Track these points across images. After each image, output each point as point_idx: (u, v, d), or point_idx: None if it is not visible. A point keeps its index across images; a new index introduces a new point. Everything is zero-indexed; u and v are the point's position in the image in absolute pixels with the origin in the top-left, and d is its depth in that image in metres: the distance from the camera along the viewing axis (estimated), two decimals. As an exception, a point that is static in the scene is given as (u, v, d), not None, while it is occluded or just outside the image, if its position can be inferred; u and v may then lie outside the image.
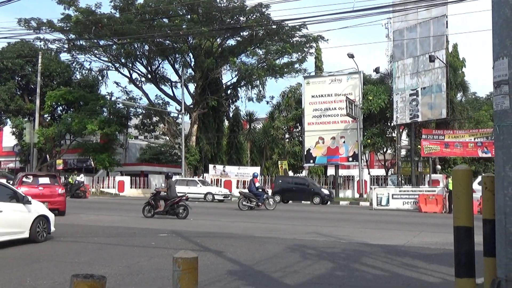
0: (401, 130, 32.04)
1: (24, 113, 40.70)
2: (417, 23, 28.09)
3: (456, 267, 4.46)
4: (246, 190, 23.74)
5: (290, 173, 35.35)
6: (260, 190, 22.84)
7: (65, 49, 38.63)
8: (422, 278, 7.38)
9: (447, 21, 27.21)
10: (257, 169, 36.32)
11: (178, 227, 13.91)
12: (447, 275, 7.34)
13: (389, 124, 32.71)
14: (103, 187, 37.90)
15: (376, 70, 32.50)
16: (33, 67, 39.07)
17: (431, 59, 26.69)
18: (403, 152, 33.91)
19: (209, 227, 14.26)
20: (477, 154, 28.25)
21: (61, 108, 42.40)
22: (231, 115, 43.52)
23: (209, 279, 6.91)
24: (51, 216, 11.23)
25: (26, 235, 10.44)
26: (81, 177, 32.37)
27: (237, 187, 36.44)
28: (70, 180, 32.28)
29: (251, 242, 10.95)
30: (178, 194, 17.43)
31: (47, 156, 41.49)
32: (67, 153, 41.27)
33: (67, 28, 35.10)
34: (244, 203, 21.95)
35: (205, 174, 37.10)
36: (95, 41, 35.86)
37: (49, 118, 41.80)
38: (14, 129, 40.32)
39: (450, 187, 21.88)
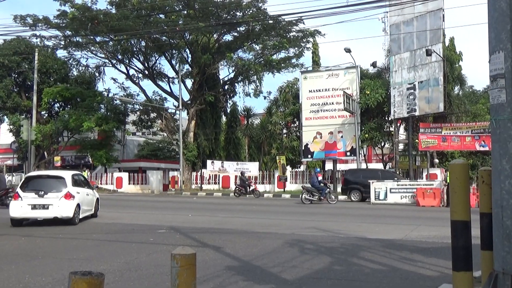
0: (398, 124, 32.04)
1: (21, 110, 40.61)
2: (413, 17, 28.07)
3: (454, 261, 4.48)
4: (308, 185, 24.50)
5: (288, 168, 35.35)
6: (323, 184, 23.48)
7: (61, 46, 38.50)
8: (420, 271, 7.41)
9: (443, 15, 27.20)
10: (255, 165, 36.37)
11: (177, 223, 13.94)
12: (445, 268, 7.38)
13: (386, 118, 32.71)
14: (101, 184, 37.89)
15: (373, 65, 32.47)
16: (30, 64, 38.95)
17: (428, 53, 26.68)
18: (401, 146, 33.94)
19: (207, 223, 14.28)
20: (475, 148, 28.30)
21: (58, 105, 42.33)
22: (228, 110, 43.50)
23: (207, 275, 6.93)
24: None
25: (92, 212, 15.56)
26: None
27: (235, 183, 36.47)
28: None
29: (249, 238, 10.97)
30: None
31: (45, 153, 41.45)
32: (65, 150, 41.24)
33: (63, 25, 34.98)
34: (306, 197, 22.81)
35: (203, 170, 37.11)
36: (92, 37, 35.75)
37: (46, 115, 41.72)
38: (11, 126, 40.25)
39: (449, 181, 21.96)
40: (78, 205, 13.95)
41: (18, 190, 13.85)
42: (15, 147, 40.59)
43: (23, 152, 39.86)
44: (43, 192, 13.45)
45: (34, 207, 13.36)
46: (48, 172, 17.22)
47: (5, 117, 41.35)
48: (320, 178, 24.02)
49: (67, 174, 14.63)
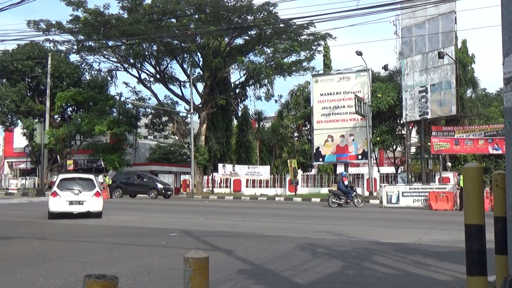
0: (410, 127, 31.87)
1: (34, 114, 40.99)
2: (425, 19, 27.93)
3: (468, 265, 4.44)
4: (335, 188, 25.11)
5: (300, 172, 35.29)
6: (349, 188, 23.82)
7: (74, 50, 38.88)
8: (433, 276, 7.35)
9: (455, 17, 27.04)
10: (266, 168, 36.34)
11: (188, 227, 13.95)
12: (458, 273, 7.30)
13: (398, 121, 32.54)
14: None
15: (385, 68, 32.35)
16: (43, 68, 39.32)
17: (440, 55, 26.52)
18: (413, 149, 33.73)
19: (219, 226, 14.28)
20: (488, 151, 28.03)
21: (71, 109, 42.66)
22: (239, 114, 43.55)
23: (219, 278, 6.93)
24: None
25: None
26: (101, 178, 32.98)
27: (247, 186, 36.48)
28: (106, 180, 32.91)
29: (261, 241, 10.95)
30: None
31: (58, 156, 41.79)
32: (77, 153, 41.54)
33: (76, 29, 35.30)
34: (333, 200, 23.42)
35: (214, 173, 37.18)
36: (104, 42, 36.03)
37: (59, 119, 42.07)
38: (25, 130, 40.63)
39: (462, 184, 21.76)
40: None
41: (56, 189, 16.71)
42: (28, 150, 40.97)
43: (36, 155, 40.21)
44: (78, 190, 16.57)
45: (71, 203, 16.47)
46: (79, 175, 20.04)
47: (18, 121, 41.75)
48: (346, 182, 24.33)
49: (94, 177, 18.30)
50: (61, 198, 16.69)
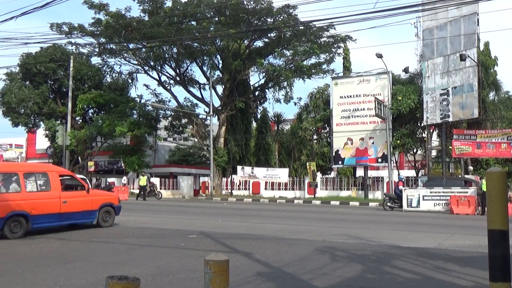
0: (431, 130, 31.50)
1: (56, 116, 41.58)
2: (447, 21, 27.62)
3: (491, 271, 4.38)
4: (391, 193, 26.17)
5: (319, 175, 35.13)
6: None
7: (95, 53, 39.31)
8: (455, 281, 7.26)
9: (478, 19, 26.67)
10: (285, 171, 36.28)
11: (207, 228, 14.01)
12: (480, 278, 7.21)
13: (419, 124, 32.18)
14: (133, 189, 38.44)
15: (406, 70, 32.05)
16: (65, 71, 39.87)
17: (462, 58, 26.19)
18: (434, 152, 33.35)
19: (238, 229, 14.30)
20: (511, 155, 27.59)
21: (92, 111, 43.17)
22: (259, 116, 43.57)
23: (238, 281, 6.94)
24: None
25: None
26: (124, 180, 33.22)
27: (265, 189, 36.47)
28: (141, 183, 32.98)
29: (280, 244, 10.94)
30: None
31: (79, 158, 42.31)
32: (98, 155, 42.01)
33: (98, 32, 35.72)
34: (388, 204, 24.47)
35: (233, 176, 37.26)
36: (125, 44, 36.41)
37: (80, 120, 42.61)
38: (47, 132, 41.23)
39: (484, 188, 21.44)
40: None
41: None
42: (50, 152, 41.58)
43: (58, 157, 40.77)
44: None
45: None
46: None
47: (41, 122, 42.37)
48: (401, 187, 24.83)
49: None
50: None
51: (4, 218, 11.70)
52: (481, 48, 31.07)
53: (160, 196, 33.86)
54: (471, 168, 30.95)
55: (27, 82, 40.75)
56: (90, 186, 15.86)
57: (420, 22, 30.26)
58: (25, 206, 12.21)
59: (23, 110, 39.75)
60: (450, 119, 28.04)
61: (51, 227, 13.19)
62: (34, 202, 12.41)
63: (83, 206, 13.81)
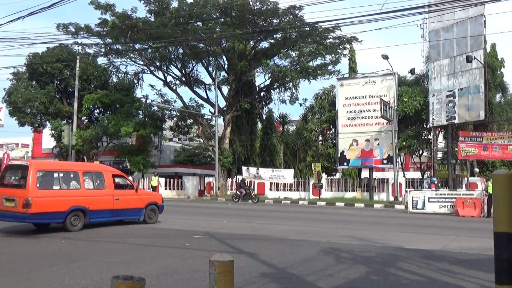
0: (437, 132, 31.40)
1: (62, 116, 41.71)
2: (453, 23, 27.52)
3: (497, 274, 4.35)
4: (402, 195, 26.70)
5: (324, 176, 35.06)
6: None
7: (102, 53, 39.41)
8: (460, 284, 7.23)
9: (484, 21, 26.56)
10: (290, 172, 36.25)
11: (212, 229, 14.02)
12: (486, 281, 7.18)
13: (425, 126, 32.07)
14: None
15: (411, 71, 31.96)
16: (71, 71, 40.00)
17: (469, 59, 26.09)
18: (440, 154, 33.23)
19: (242, 229, 14.30)
20: (517, 157, 27.46)
21: (98, 110, 43.29)
22: (264, 117, 43.56)
23: (242, 281, 6.94)
24: None
25: None
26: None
27: (271, 189, 36.45)
28: (153, 183, 33.15)
29: (284, 245, 10.94)
30: None
31: (85, 157, 42.42)
32: (103, 155, 42.12)
33: (104, 33, 35.82)
34: None
35: (238, 176, 37.27)
36: (131, 45, 36.49)
37: (86, 120, 42.73)
38: (53, 132, 41.37)
39: (490, 191, 21.34)
40: None
41: None
42: (56, 151, 41.72)
43: (64, 156, 40.89)
44: None
45: None
46: None
47: (47, 122, 42.52)
48: (433, 188, 24.76)
49: None
50: None
51: (66, 212, 13.05)
52: (488, 49, 30.93)
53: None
54: (477, 170, 30.81)
55: (34, 82, 40.90)
56: (138, 186, 17.09)
57: (426, 23, 30.16)
58: (84, 201, 13.54)
59: (29, 109, 39.90)
60: (456, 121, 27.94)
61: (104, 222, 14.39)
62: (91, 199, 13.76)
63: (132, 204, 15.14)
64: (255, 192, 32.30)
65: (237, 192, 31.63)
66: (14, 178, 13.50)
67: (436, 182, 27.14)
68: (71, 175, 13.80)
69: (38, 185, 12.74)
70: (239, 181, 33.33)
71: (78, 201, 13.43)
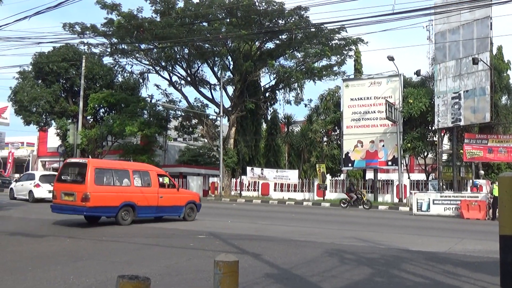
0: (442, 134, 31.30)
1: (68, 115, 41.85)
2: (460, 25, 27.43)
3: (502, 277, 4.35)
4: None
5: (328, 177, 35.03)
6: None
7: (107, 53, 39.49)
8: (465, 286, 7.21)
9: (491, 23, 26.47)
10: (295, 173, 36.23)
11: (216, 229, 14.02)
12: (491, 284, 7.15)
13: (430, 128, 31.98)
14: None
15: (417, 73, 31.88)
16: (77, 70, 40.13)
17: (475, 61, 26.00)
18: (445, 156, 33.15)
19: (246, 230, 14.30)
20: (523, 160, 27.37)
21: (103, 110, 43.41)
22: (269, 117, 43.54)
23: (246, 282, 6.94)
24: None
25: None
26: None
27: (275, 190, 36.45)
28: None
29: (288, 246, 10.93)
30: None
31: (90, 157, 42.54)
32: (108, 154, 42.21)
33: (110, 33, 35.90)
34: None
35: (243, 176, 37.27)
36: (137, 45, 36.56)
37: (91, 119, 42.85)
38: (58, 131, 41.51)
39: (495, 193, 21.26)
40: None
41: (38, 182, 24.87)
42: (61, 150, 41.83)
43: (69, 155, 40.99)
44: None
45: (50, 191, 21.41)
46: (54, 172, 25.90)
47: (52, 121, 42.67)
48: (474, 191, 24.58)
49: None
50: (43, 188, 24.79)
51: (118, 206, 14.31)
52: (494, 52, 30.82)
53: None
54: (482, 172, 30.72)
55: (40, 81, 41.06)
56: (179, 186, 18.01)
57: (432, 25, 30.07)
58: (133, 198, 14.76)
59: (35, 108, 40.06)
60: (462, 123, 27.85)
61: (149, 217, 15.78)
62: (139, 195, 14.95)
63: (174, 201, 16.22)
64: (366, 197, 29.13)
65: (347, 197, 28.75)
66: (73, 175, 14.85)
67: (478, 186, 26.74)
68: (123, 173, 15.00)
69: (95, 181, 13.90)
70: (348, 185, 30.75)
71: (128, 197, 14.63)
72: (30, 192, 25.91)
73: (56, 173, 24.50)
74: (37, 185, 25.58)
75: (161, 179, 16.20)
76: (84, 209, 13.70)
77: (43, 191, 25.12)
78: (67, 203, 14.01)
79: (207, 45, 36.18)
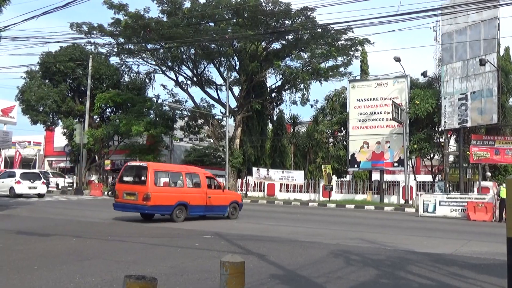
0: (449, 135, 31.17)
1: (74, 115, 42.03)
2: (467, 25, 27.30)
3: (509, 280, 4.32)
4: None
5: (334, 178, 34.95)
6: None
7: (114, 53, 39.64)
8: (471, 289, 7.17)
9: (499, 24, 26.34)
10: (301, 173, 36.20)
11: (222, 229, 14.03)
12: (497, 286, 7.12)
13: (436, 129, 31.87)
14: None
15: (424, 74, 31.76)
16: (84, 70, 40.30)
17: (482, 62, 25.86)
18: (451, 158, 33.01)
19: (252, 230, 14.30)
20: (530, 162, 27.19)
21: (109, 110, 43.56)
22: (275, 118, 43.53)
23: (252, 282, 6.93)
24: None
25: None
26: None
27: (281, 191, 36.42)
28: None
29: (294, 246, 10.92)
30: None
31: (96, 156, 42.71)
32: (114, 154, 42.35)
33: (117, 32, 36.02)
34: None
35: (248, 177, 37.27)
36: (143, 45, 36.66)
37: (98, 119, 43.01)
38: (65, 130, 41.69)
39: (502, 195, 21.16)
40: None
41: (19, 179, 28.13)
42: (68, 150, 42.01)
43: (76, 155, 41.20)
44: (33, 180, 29.10)
45: (29, 188, 28.62)
46: (32, 170, 32.68)
47: (59, 121, 42.87)
48: None
49: (39, 172, 29.01)
50: (23, 184, 28.04)
51: (173, 205, 15.84)
52: (501, 53, 30.65)
53: None
54: (489, 174, 30.56)
55: (47, 81, 41.26)
56: (225, 186, 19.67)
57: (439, 26, 29.93)
58: (186, 198, 16.33)
59: (42, 108, 40.27)
60: (468, 124, 27.71)
61: (199, 216, 17.13)
62: (191, 195, 16.50)
63: (220, 201, 17.70)
64: None
65: None
66: (134, 176, 16.59)
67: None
68: (177, 176, 16.72)
69: (154, 182, 15.53)
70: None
71: (182, 197, 16.23)
72: (11, 188, 28.46)
73: (37, 171, 31.80)
74: (18, 182, 28.23)
75: (209, 181, 17.79)
76: (145, 207, 15.34)
77: (24, 187, 28.31)
78: (129, 202, 15.61)
79: (213, 45, 36.22)
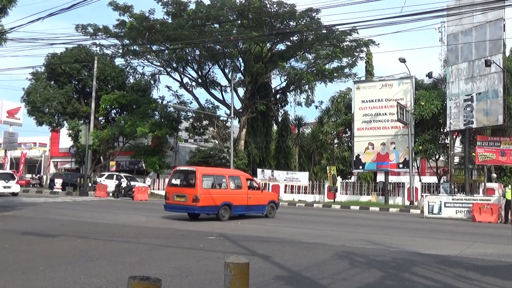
0: (454, 136, 31.05)
1: (80, 116, 42.16)
2: (472, 26, 27.20)
3: (514, 281, 4.30)
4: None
5: (339, 179, 34.89)
6: None
7: (119, 54, 39.80)
8: (476, 290, 7.14)
9: (504, 25, 26.23)
10: (305, 174, 36.16)
11: (226, 231, 14.04)
12: (503, 288, 7.08)
13: (442, 130, 31.76)
14: (153, 189, 38.72)
15: (429, 75, 31.66)
16: (89, 71, 40.42)
17: (487, 63, 25.76)
18: (456, 159, 32.88)
19: (256, 231, 14.30)
20: (536, 163, 27.04)
21: (115, 111, 43.67)
22: (279, 119, 43.55)
23: (256, 284, 6.93)
24: None
25: None
26: (148, 181, 33.34)
27: (285, 192, 36.39)
28: None
29: (298, 248, 10.91)
30: None
31: (101, 157, 42.81)
32: (120, 155, 42.44)
33: (122, 34, 36.16)
34: None
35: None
36: (148, 46, 36.77)
37: (103, 120, 43.13)
38: (70, 131, 41.80)
39: (508, 197, 21.07)
40: None
41: None
42: (73, 151, 42.14)
43: (81, 156, 41.28)
44: (7, 180, 31.43)
45: (4, 187, 30.52)
46: (6, 171, 35.24)
47: (65, 122, 43.00)
48: None
49: (12, 172, 32.73)
50: None
51: (219, 206, 17.27)
52: (507, 54, 30.55)
53: None
54: (494, 175, 30.43)
55: (52, 82, 41.41)
56: (262, 187, 21.06)
57: (444, 27, 29.88)
58: (230, 198, 17.77)
59: (47, 109, 40.41)
60: (474, 126, 27.60)
61: (241, 214, 18.46)
62: (234, 196, 17.95)
63: (259, 201, 19.13)
64: None
65: None
66: (183, 180, 18.18)
67: None
68: (221, 178, 18.07)
69: (202, 185, 16.91)
70: None
71: (226, 198, 17.62)
72: None
73: (11, 171, 35.79)
74: None
75: (249, 182, 19.17)
76: (195, 208, 16.84)
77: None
78: (179, 203, 17.14)
79: (218, 46, 36.30)
